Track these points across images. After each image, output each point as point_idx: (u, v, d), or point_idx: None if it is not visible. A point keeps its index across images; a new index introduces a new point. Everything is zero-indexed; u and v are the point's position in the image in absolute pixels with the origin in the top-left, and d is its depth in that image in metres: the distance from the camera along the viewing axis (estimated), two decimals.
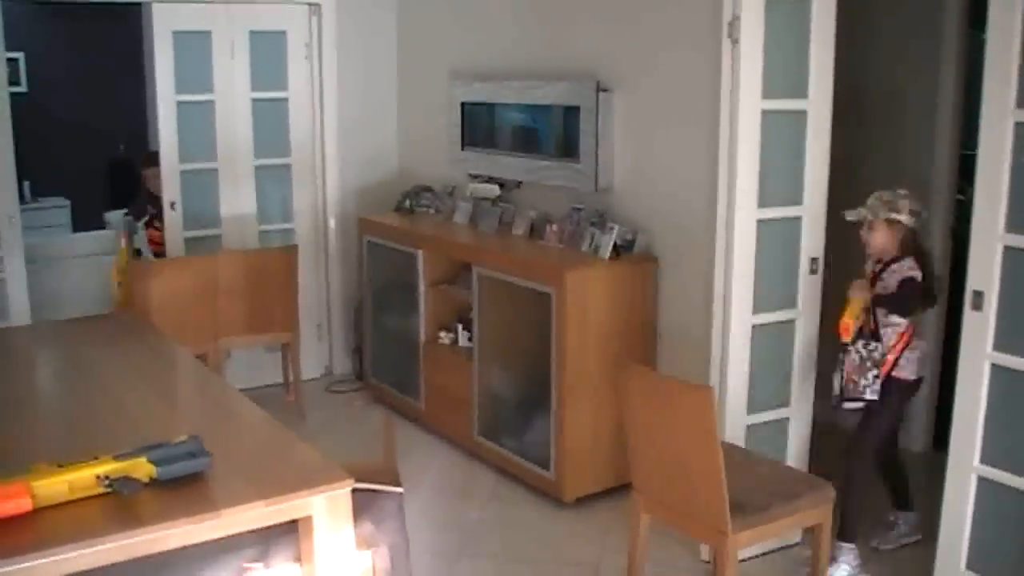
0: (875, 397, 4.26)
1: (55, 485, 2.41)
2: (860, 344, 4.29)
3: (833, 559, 4.25)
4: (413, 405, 6.19)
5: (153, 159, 6.61)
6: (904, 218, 4.23)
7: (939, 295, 4.57)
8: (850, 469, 4.36)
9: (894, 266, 4.28)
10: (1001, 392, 3.73)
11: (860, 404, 4.32)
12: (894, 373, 4.29)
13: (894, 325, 4.28)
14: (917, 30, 5.57)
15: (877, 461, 4.49)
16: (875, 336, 4.30)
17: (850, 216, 4.31)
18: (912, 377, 4.33)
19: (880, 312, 4.29)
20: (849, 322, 4.26)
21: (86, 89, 10.02)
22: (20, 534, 2.30)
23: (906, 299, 4.24)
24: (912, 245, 4.29)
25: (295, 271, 6.25)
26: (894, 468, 4.60)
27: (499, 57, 6.09)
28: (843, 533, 4.32)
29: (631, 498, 3.99)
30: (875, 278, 4.34)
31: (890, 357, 4.27)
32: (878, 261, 4.36)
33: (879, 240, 4.29)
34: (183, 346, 4.22)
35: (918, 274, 4.24)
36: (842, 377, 4.32)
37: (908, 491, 4.63)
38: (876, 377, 4.25)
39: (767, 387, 4.51)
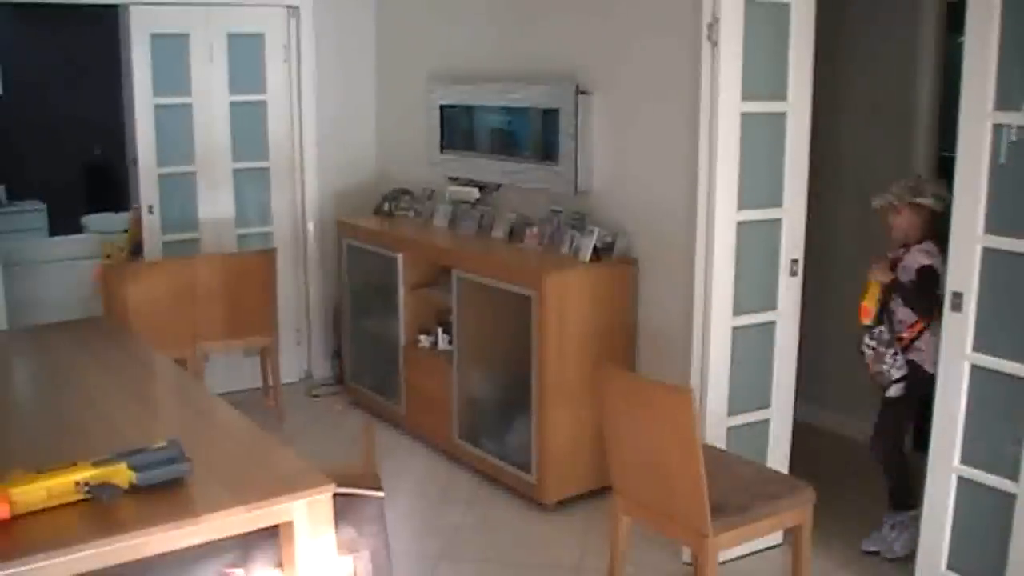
0: (903, 371, 4.36)
1: (33, 492, 2.39)
2: (867, 338, 4.42)
3: (893, 527, 4.47)
4: (393, 409, 6.18)
5: None
6: (929, 201, 4.33)
7: None
8: (886, 459, 4.52)
9: (914, 247, 4.37)
10: (981, 393, 3.75)
11: (901, 384, 4.39)
12: (913, 357, 4.36)
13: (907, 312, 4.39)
14: (895, 33, 5.59)
15: (885, 457, 4.56)
16: (885, 319, 4.40)
17: (876, 202, 4.44)
18: (932, 369, 4.22)
19: (894, 301, 4.39)
20: (869, 305, 4.38)
21: (63, 92, 9.96)
22: None
23: (926, 293, 4.26)
24: (934, 230, 4.35)
25: (274, 275, 6.23)
26: (898, 462, 4.57)
27: (478, 59, 6.08)
28: (899, 503, 4.47)
29: (612, 500, 3.99)
30: (896, 262, 4.42)
31: (906, 335, 4.36)
32: (902, 245, 4.44)
33: (903, 223, 4.40)
34: (161, 350, 4.20)
35: (937, 260, 4.25)
36: (871, 374, 4.47)
37: (908, 489, 4.55)
38: (895, 354, 4.35)
39: (747, 389, 4.51)
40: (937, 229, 4.35)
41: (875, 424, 4.60)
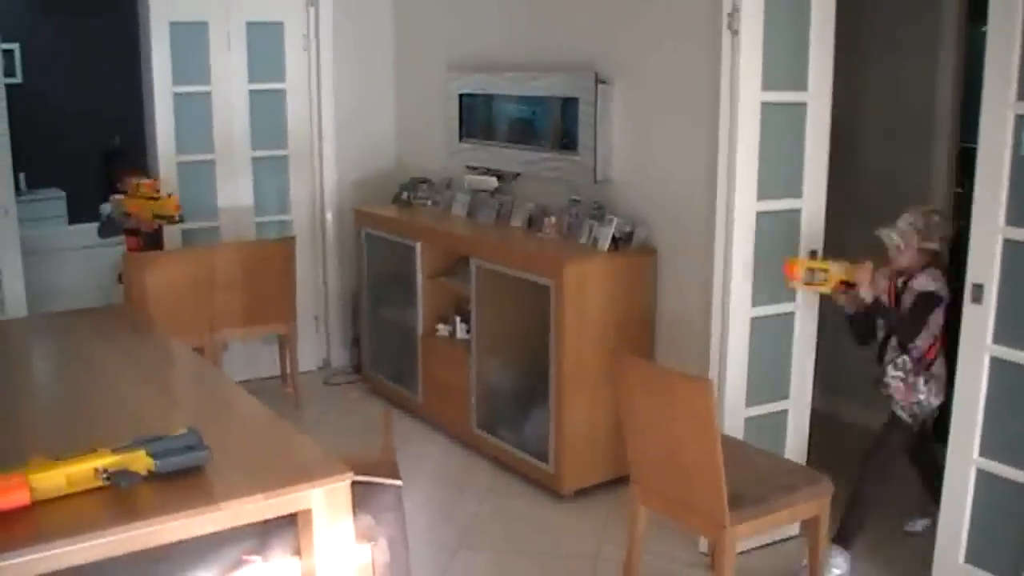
0: (942, 397, 4.18)
1: (53, 478, 2.39)
2: (891, 369, 4.23)
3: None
4: (411, 397, 6.19)
5: None
6: (936, 246, 4.16)
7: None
8: (863, 477, 4.29)
9: (919, 274, 4.16)
10: (1001, 385, 3.73)
11: (937, 412, 4.25)
12: (935, 374, 4.21)
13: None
14: (916, 23, 5.56)
15: (912, 455, 4.49)
16: (902, 349, 4.21)
17: (884, 238, 4.18)
18: (936, 400, 4.23)
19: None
20: (797, 270, 4.22)
21: (82, 80, 9.97)
22: (18, 528, 2.29)
23: (918, 319, 4.12)
24: (936, 260, 4.22)
25: (292, 263, 6.24)
26: (928, 461, 4.53)
27: (497, 48, 6.07)
28: (839, 536, 4.25)
29: (629, 490, 3.99)
30: (896, 295, 4.22)
31: (923, 362, 4.18)
32: (900, 274, 4.23)
33: (906, 262, 4.18)
34: (180, 338, 4.21)
35: (940, 285, 4.12)
36: (904, 408, 4.22)
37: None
38: (926, 382, 4.17)
39: (766, 379, 4.50)
40: (943, 263, 4.26)
41: (898, 441, 4.34)
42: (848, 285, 4.21)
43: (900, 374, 4.22)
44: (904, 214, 4.20)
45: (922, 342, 4.17)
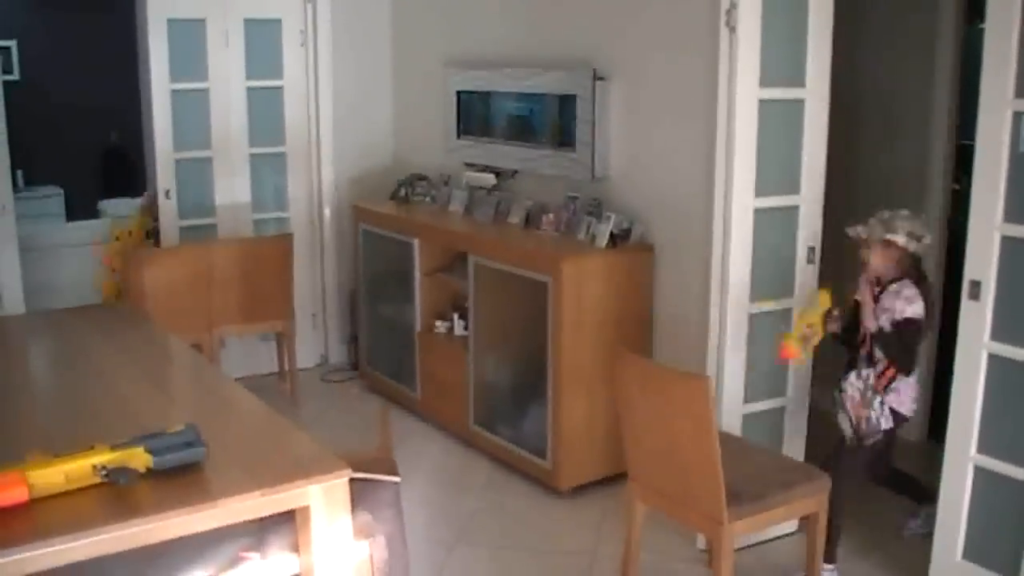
0: (890, 425, 4.14)
1: (51, 475, 2.40)
2: (852, 377, 4.20)
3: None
4: (409, 394, 6.19)
5: None
6: (901, 239, 4.02)
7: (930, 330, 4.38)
8: (887, 482, 4.37)
9: (893, 287, 4.08)
10: (998, 382, 3.74)
11: (879, 436, 4.17)
12: (891, 401, 4.14)
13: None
14: (913, 20, 5.56)
15: (877, 480, 4.47)
16: (870, 361, 4.17)
17: (850, 232, 4.14)
18: (907, 412, 4.19)
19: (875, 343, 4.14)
20: (794, 347, 4.14)
21: (80, 77, 9.98)
22: (16, 524, 2.29)
23: (908, 347, 4.06)
24: (913, 271, 4.11)
25: (290, 260, 6.24)
26: (896, 479, 4.53)
27: (495, 45, 6.07)
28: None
29: (627, 487, 3.99)
30: (875, 300, 4.13)
31: (885, 376, 4.12)
32: (877, 283, 4.15)
33: (876, 261, 4.10)
34: (178, 335, 4.21)
35: (918, 307, 4.03)
36: (850, 419, 4.18)
37: (921, 486, 4.52)
38: (882, 403, 4.12)
39: (764, 376, 4.50)
40: (921, 272, 4.16)
41: (866, 464, 4.32)
42: (829, 312, 4.16)
43: (860, 385, 4.17)
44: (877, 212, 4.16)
45: (881, 356, 4.12)
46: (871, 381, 4.14)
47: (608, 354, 4.58)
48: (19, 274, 6.19)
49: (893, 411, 4.15)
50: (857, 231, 4.13)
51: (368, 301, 6.62)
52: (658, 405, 3.71)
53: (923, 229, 4.09)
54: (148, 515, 2.37)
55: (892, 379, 4.13)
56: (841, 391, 4.23)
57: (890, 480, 4.53)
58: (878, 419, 4.13)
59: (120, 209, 8.67)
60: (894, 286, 4.08)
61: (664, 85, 4.90)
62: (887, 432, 4.17)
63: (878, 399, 4.12)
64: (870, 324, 4.11)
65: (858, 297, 4.21)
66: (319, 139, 6.90)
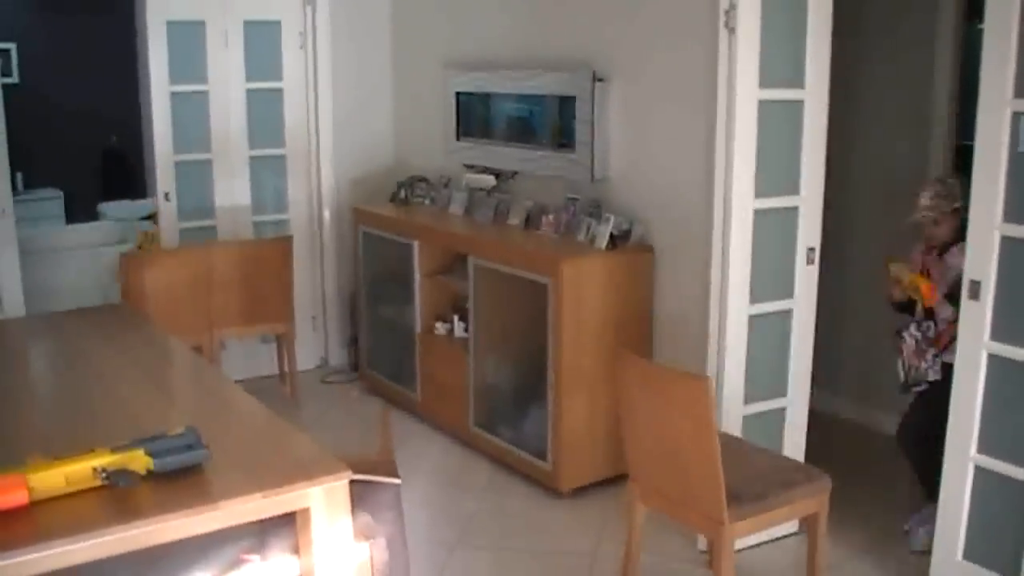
0: (938, 377, 4.30)
1: (52, 478, 2.39)
2: (912, 328, 4.38)
3: (924, 521, 4.35)
4: (409, 396, 6.19)
5: None
6: (961, 203, 4.23)
7: None
8: (915, 450, 4.47)
9: (954, 248, 4.28)
10: (998, 382, 3.74)
11: (925, 386, 4.39)
12: (947, 359, 4.24)
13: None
14: (912, 20, 5.56)
15: (906, 439, 4.55)
16: (929, 315, 4.36)
17: (915, 218, 4.35)
18: (933, 375, 4.34)
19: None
20: (928, 286, 4.34)
21: (79, 80, 9.98)
22: (17, 527, 2.29)
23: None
24: (962, 230, 4.22)
25: (290, 262, 6.24)
26: (923, 453, 4.49)
27: (494, 46, 6.07)
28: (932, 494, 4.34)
29: (628, 488, 3.99)
30: (931, 263, 4.38)
31: (944, 338, 4.28)
32: (931, 248, 4.41)
33: (944, 231, 4.35)
34: (178, 337, 4.20)
35: None
36: (904, 364, 4.40)
37: (934, 481, 4.52)
38: (936, 356, 4.31)
39: (764, 377, 4.50)
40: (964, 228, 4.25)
41: (905, 415, 4.58)
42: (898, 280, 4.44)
43: (919, 335, 4.36)
44: (922, 193, 4.36)
45: (948, 314, 4.26)
46: (930, 334, 4.33)
47: (608, 355, 4.59)
48: (19, 277, 6.19)
49: (947, 367, 4.23)
50: (925, 214, 4.33)
51: (368, 303, 6.62)
52: (658, 406, 3.71)
53: (962, 185, 4.25)
54: (148, 518, 2.36)
55: (954, 337, 4.16)
56: (900, 339, 4.43)
57: (918, 445, 4.50)
58: (927, 370, 4.34)
59: (120, 212, 8.68)
60: (954, 248, 4.29)
61: (664, 86, 4.90)
62: (932, 385, 4.32)
63: (932, 351, 4.32)
64: (938, 293, 4.31)
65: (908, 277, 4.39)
66: (319, 141, 6.90)
